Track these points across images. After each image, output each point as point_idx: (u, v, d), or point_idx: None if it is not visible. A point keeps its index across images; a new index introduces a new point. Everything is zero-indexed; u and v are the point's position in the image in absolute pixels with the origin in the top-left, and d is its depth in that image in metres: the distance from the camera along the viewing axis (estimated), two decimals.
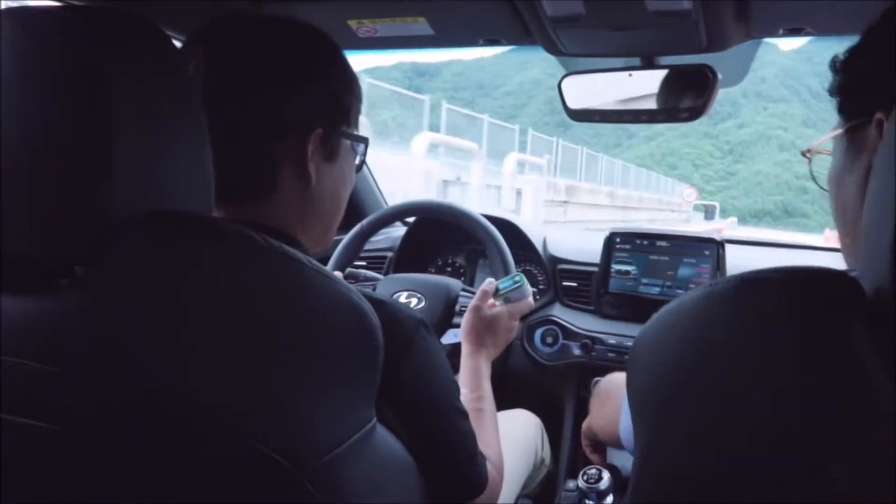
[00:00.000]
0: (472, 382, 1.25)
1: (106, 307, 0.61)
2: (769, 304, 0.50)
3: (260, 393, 0.60)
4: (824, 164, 0.76)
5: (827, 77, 0.72)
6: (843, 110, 0.70)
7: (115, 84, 0.61)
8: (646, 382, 0.58)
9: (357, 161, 0.96)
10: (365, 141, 0.97)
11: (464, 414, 0.89)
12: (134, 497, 0.58)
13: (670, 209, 40.64)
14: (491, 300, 1.39)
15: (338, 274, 1.58)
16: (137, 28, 0.67)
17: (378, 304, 0.76)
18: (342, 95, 0.89)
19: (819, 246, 2.17)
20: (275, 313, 0.63)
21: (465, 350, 1.31)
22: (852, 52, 0.68)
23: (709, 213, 27.64)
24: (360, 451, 0.66)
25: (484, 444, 1.06)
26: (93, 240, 0.62)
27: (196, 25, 0.85)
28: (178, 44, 0.75)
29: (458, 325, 1.57)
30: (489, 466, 0.97)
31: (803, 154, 0.79)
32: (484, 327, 1.33)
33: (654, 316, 0.60)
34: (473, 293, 1.65)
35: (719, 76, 1.30)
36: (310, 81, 0.84)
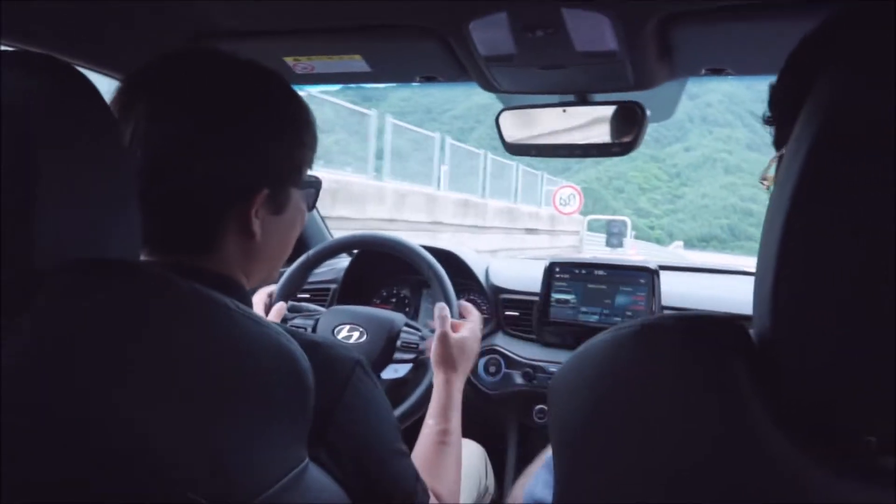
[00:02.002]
0: (442, 415, 1.22)
1: (30, 356, 0.61)
2: (665, 349, 0.53)
3: (187, 439, 0.60)
4: None
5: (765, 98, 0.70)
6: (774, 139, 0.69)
7: (40, 134, 0.61)
8: (563, 421, 0.60)
9: (308, 204, 0.94)
10: (317, 184, 0.95)
11: (402, 453, 0.87)
12: None
13: (524, 230, 20.62)
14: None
15: (281, 306, 1.57)
16: (66, 78, 0.66)
17: (313, 346, 0.75)
18: (295, 153, 0.85)
19: (751, 272, 2.22)
20: (200, 358, 0.62)
21: (437, 380, 1.29)
22: (773, 83, 0.68)
23: (614, 236, 18.77)
24: (291, 492, 0.66)
25: (438, 480, 1.05)
26: (15, 289, 0.61)
27: (134, 63, 0.82)
28: (115, 83, 0.73)
29: (398, 361, 1.58)
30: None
31: (761, 181, 0.75)
32: (456, 352, 1.32)
33: (570, 356, 0.62)
34: (417, 329, 1.66)
35: (648, 112, 1.35)
36: (262, 144, 0.80)
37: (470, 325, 1.42)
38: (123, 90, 0.80)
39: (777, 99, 0.67)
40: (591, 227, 27.16)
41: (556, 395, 0.62)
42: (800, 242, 0.44)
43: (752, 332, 0.52)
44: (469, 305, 1.53)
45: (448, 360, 1.32)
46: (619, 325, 0.57)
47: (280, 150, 0.83)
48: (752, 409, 0.47)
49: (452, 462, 1.16)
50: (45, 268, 0.62)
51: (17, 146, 0.60)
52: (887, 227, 0.41)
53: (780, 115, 0.66)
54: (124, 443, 0.58)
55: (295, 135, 0.85)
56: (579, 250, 23.76)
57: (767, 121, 0.69)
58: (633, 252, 19.58)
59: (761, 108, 0.69)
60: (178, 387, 0.61)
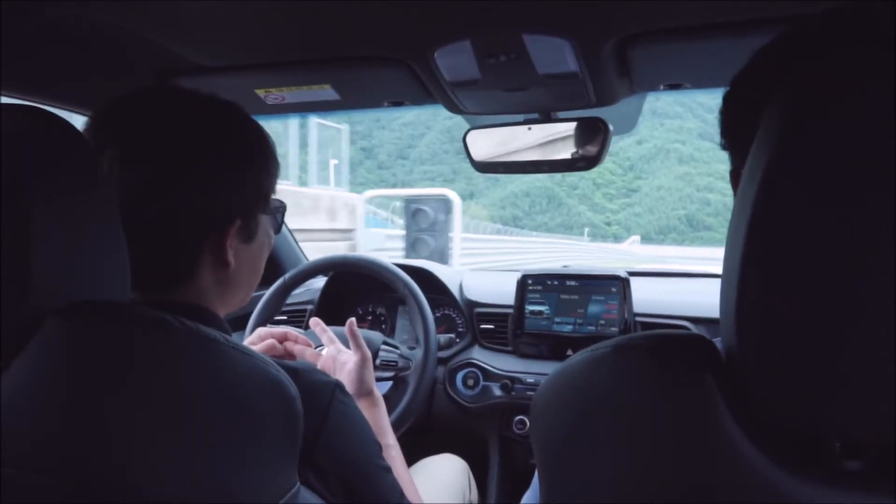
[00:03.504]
0: (382, 433, 1.20)
1: (29, 397, 0.62)
2: (639, 369, 0.55)
3: (187, 473, 0.61)
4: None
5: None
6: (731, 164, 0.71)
7: (32, 183, 0.62)
8: (544, 439, 0.63)
9: (275, 227, 0.96)
10: (282, 208, 0.97)
11: (386, 469, 0.91)
12: None
13: None
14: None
15: (261, 331, 1.56)
16: (54, 127, 0.68)
17: (293, 372, 0.77)
18: (263, 182, 0.88)
19: (718, 274, 2.26)
20: (195, 394, 0.64)
21: (364, 403, 1.23)
22: (722, 110, 0.71)
23: (423, 236, 8.38)
24: None
25: (411, 494, 1.08)
26: (13, 332, 0.63)
27: (103, 100, 0.83)
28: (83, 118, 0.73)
29: (378, 379, 1.59)
30: None
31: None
32: (348, 381, 1.25)
33: (548, 376, 0.65)
34: (395, 346, 1.68)
35: (611, 127, 1.38)
36: (231, 177, 0.83)
37: (332, 351, 1.34)
38: (93, 132, 0.81)
39: (728, 127, 0.70)
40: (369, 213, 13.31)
41: (537, 414, 0.65)
42: (759, 266, 0.47)
43: (718, 343, 0.55)
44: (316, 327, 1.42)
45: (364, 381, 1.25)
46: (594, 345, 0.60)
47: (249, 180, 0.85)
48: (722, 422, 0.49)
49: (405, 475, 1.17)
50: (41, 310, 0.63)
51: (9, 195, 0.61)
52: (842, 248, 0.43)
53: (733, 142, 0.69)
54: (123, 482, 0.59)
55: (261, 164, 0.88)
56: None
57: (723, 146, 0.71)
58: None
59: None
60: (175, 423, 0.62)
